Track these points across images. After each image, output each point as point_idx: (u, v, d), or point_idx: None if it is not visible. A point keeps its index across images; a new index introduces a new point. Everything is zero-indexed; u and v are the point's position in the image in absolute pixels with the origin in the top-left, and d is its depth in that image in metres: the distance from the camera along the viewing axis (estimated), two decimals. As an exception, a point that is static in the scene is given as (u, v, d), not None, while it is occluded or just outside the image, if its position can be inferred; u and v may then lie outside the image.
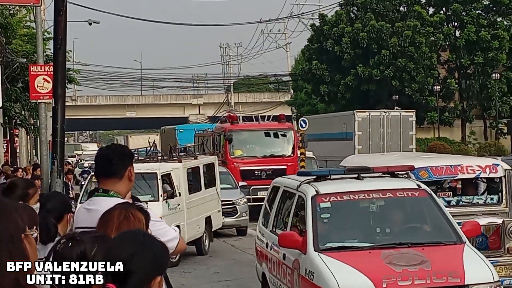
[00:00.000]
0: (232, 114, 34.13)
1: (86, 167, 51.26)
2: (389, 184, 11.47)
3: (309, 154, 41.03)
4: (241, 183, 28.68)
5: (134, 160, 6.13)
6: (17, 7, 36.32)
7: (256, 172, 30.92)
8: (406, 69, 61.48)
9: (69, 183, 30.76)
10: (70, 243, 4.12)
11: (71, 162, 55.81)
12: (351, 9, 66.20)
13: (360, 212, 11.38)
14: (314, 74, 66.02)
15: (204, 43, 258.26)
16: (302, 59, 76.21)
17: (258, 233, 13.60)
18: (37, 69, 28.10)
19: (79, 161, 79.42)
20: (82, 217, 5.81)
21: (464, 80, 65.13)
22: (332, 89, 64.95)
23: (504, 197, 13.70)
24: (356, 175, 11.53)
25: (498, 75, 60.12)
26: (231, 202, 25.85)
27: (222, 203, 24.70)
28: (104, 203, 5.37)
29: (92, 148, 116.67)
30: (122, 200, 5.49)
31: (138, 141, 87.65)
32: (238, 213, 25.95)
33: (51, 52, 32.40)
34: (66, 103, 12.99)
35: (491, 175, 13.76)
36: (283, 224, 12.04)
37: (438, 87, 61.47)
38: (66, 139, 18.02)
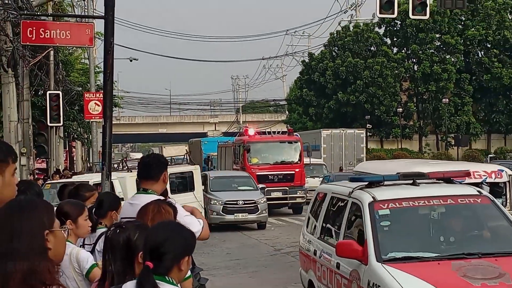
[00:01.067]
0: (248, 128, 33.15)
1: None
2: (448, 190, 8.79)
3: (319, 161, 40.25)
4: (260, 186, 27.21)
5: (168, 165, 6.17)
6: (74, 47, 36.37)
7: (269, 177, 29.74)
8: (376, 95, 61.45)
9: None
10: (118, 230, 4.14)
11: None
12: (333, 49, 66.17)
13: (421, 220, 8.63)
14: (304, 99, 66.08)
15: (219, 75, 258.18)
16: (295, 87, 76.15)
17: (302, 239, 10.83)
18: (90, 95, 28.18)
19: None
20: (126, 209, 5.84)
21: (420, 104, 65.02)
22: (318, 111, 64.92)
23: (508, 201, 12.35)
24: (411, 181, 8.86)
25: (447, 100, 60.14)
26: (253, 201, 24.86)
27: (246, 202, 24.48)
28: (143, 199, 5.41)
29: (137, 156, 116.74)
30: (157, 197, 5.52)
31: (170, 151, 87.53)
32: (259, 211, 24.75)
33: (101, 82, 32.47)
34: (113, 122, 12.98)
35: (496, 180, 12.11)
36: (335, 232, 9.36)
37: (400, 109, 61.44)
38: (112, 149, 18.03)
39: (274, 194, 28.85)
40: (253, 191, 25.90)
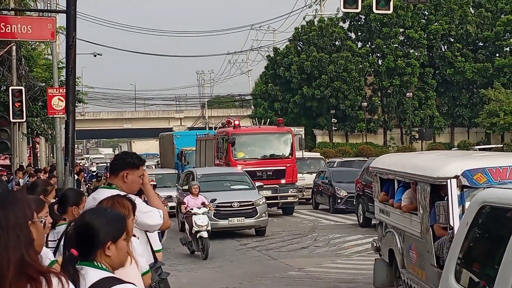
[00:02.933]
0: (232, 119, 29.57)
1: (94, 171, 42.06)
2: None
3: (316, 154, 38.80)
4: (257, 184, 23.35)
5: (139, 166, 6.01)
6: (37, 43, 35.99)
7: (257, 173, 25.89)
8: (341, 90, 61.72)
9: (81, 180, 30.45)
10: (73, 224, 4.12)
11: (81, 164, 55.02)
12: (298, 43, 66.32)
13: None
14: (270, 94, 66.14)
15: (185, 70, 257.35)
16: (260, 82, 76.19)
17: None
18: (53, 91, 27.89)
19: (90, 164, 66.36)
20: (90, 204, 5.81)
21: (385, 98, 65.44)
22: (283, 106, 65.03)
23: None
24: None
25: (411, 94, 60.60)
26: (250, 203, 20.88)
27: (242, 204, 20.75)
28: (106, 193, 5.39)
29: (106, 152, 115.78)
30: (120, 192, 5.48)
31: (140, 146, 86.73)
32: (258, 214, 20.77)
33: (64, 78, 32.18)
34: (76, 118, 12.88)
35: None
36: None
37: (365, 104, 61.77)
38: (76, 145, 17.90)
39: (263, 193, 23.61)
40: (249, 191, 22.14)
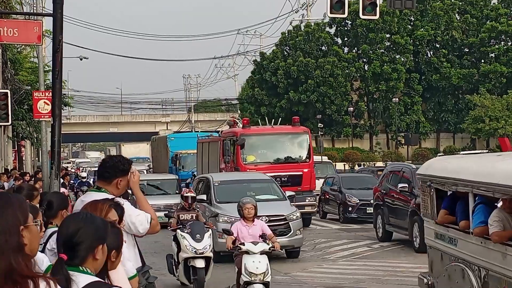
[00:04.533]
0: (236, 118, 26.66)
1: (84, 177, 39.20)
2: None
3: (323, 158, 37.09)
4: (289, 193, 18.96)
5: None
6: (23, 46, 35.86)
7: None
8: (327, 95, 61.85)
9: (67, 183, 30.28)
10: (61, 229, 4.10)
11: (68, 168, 54.71)
12: (285, 48, 66.40)
13: None
14: (256, 99, 66.16)
15: (171, 74, 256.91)
16: (247, 87, 76.22)
17: None
18: (39, 94, 27.75)
19: (77, 169, 64.19)
20: (78, 206, 5.80)
21: (371, 103, 65.63)
22: (270, 110, 65.03)
23: None
24: None
25: (397, 99, 60.87)
26: (282, 217, 16.68)
27: (272, 220, 16.15)
28: (94, 196, 5.39)
29: (93, 155, 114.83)
30: (108, 196, 5.48)
31: (129, 149, 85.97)
32: (292, 231, 16.57)
33: (50, 81, 32.07)
34: (62, 121, 12.84)
35: None
36: None
37: (351, 109, 61.93)
38: (62, 149, 17.93)
39: None
40: (279, 202, 17.75)
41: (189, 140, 35.21)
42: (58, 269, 3.35)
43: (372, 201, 21.55)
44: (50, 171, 10.96)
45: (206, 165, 27.55)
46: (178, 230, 13.22)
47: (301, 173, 23.72)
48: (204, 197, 17.44)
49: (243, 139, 23.75)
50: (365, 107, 65.05)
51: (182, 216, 13.67)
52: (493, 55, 63.85)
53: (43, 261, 5.23)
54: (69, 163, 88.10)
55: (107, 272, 3.62)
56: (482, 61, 64.19)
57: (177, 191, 25.54)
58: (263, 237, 11.23)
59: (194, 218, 13.64)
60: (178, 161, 36.07)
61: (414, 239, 17.53)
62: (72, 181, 39.55)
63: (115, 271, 3.83)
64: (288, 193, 18.54)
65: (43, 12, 29.83)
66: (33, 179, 22.67)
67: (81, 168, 61.81)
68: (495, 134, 53.60)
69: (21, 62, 38.20)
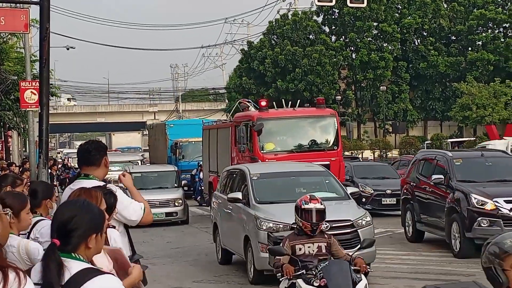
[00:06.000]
0: (249, 102, 23.47)
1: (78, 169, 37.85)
2: None
3: None
4: (351, 190, 14.86)
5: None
6: (9, 35, 35.63)
7: None
8: (315, 83, 61.84)
9: (54, 173, 30.22)
10: (56, 215, 4.10)
11: (55, 158, 54.43)
12: (272, 37, 66.31)
13: None
14: (244, 88, 66.08)
15: (158, 63, 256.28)
16: (234, 76, 76.09)
17: None
18: (26, 84, 27.64)
19: (65, 160, 62.39)
20: (66, 194, 5.80)
21: (359, 92, 65.69)
22: (258, 99, 64.91)
23: None
24: None
25: (385, 88, 61.01)
26: (348, 223, 12.52)
27: (334, 225, 11.99)
28: (84, 184, 5.38)
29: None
30: (98, 183, 5.48)
31: (120, 139, 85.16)
32: (362, 242, 10.14)
33: (37, 71, 31.88)
34: (50, 112, 12.80)
35: None
36: None
37: (339, 97, 61.97)
38: (49, 139, 17.80)
39: None
40: (342, 202, 13.62)
41: (190, 127, 33.39)
42: (50, 254, 3.35)
43: (388, 191, 20.09)
44: (38, 160, 10.93)
45: (214, 155, 24.95)
46: (299, 281, 7.53)
47: (328, 162, 19.90)
48: (238, 195, 13.70)
49: (261, 124, 20.63)
50: (353, 96, 65.11)
51: (301, 249, 8.01)
52: (480, 43, 64.00)
53: (39, 251, 5.21)
54: (59, 153, 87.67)
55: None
56: (469, 49, 64.32)
57: (176, 184, 24.41)
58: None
59: (324, 251, 8.02)
60: (178, 150, 33.83)
61: (453, 241, 15.01)
62: (63, 173, 39.04)
63: (100, 255, 3.83)
64: (350, 189, 14.70)
65: (30, 0, 29.67)
66: (20, 169, 22.63)
67: (70, 159, 60.86)
68: (482, 122, 53.74)
69: (7, 52, 37.96)
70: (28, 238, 5.70)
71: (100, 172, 5.89)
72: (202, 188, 28.21)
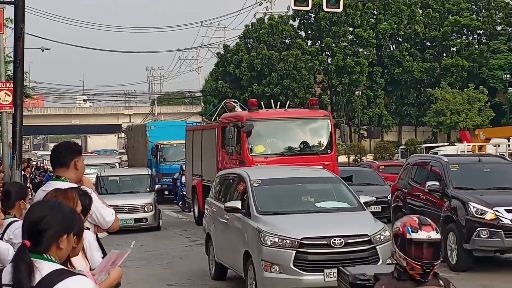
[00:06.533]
0: (234, 102, 22.24)
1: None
2: None
3: None
4: (364, 198, 12.91)
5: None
6: (-17, 36, 35.31)
7: None
8: (290, 88, 61.94)
9: (28, 175, 29.94)
10: (27, 216, 4.08)
11: (30, 159, 53.85)
12: (248, 41, 66.34)
13: None
14: (220, 91, 65.96)
15: (134, 66, 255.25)
16: (210, 79, 75.97)
17: None
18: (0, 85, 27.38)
19: (38, 163, 61.47)
20: (39, 196, 5.76)
21: (334, 96, 65.88)
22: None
23: None
24: None
25: (360, 93, 61.25)
26: (365, 238, 10.78)
27: (348, 241, 10.54)
28: (56, 185, 5.33)
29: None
30: (71, 184, 5.44)
31: (96, 141, 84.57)
32: (380, 259, 10.56)
33: (11, 73, 31.64)
34: (23, 113, 12.71)
35: None
36: None
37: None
38: (23, 141, 17.64)
39: None
40: (356, 214, 11.97)
41: (171, 129, 32.55)
42: (20, 255, 3.32)
43: (375, 199, 19.18)
44: (12, 161, 10.84)
45: (198, 157, 23.99)
46: None
47: (321, 167, 18.07)
48: (237, 204, 12.04)
49: (250, 125, 19.55)
50: (328, 100, 65.29)
51: None
52: (454, 49, 64.49)
53: (9, 251, 5.17)
54: (33, 155, 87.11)
55: (69, 259, 3.59)
56: (444, 55, 64.81)
57: (148, 189, 23.40)
58: None
59: None
60: (159, 152, 32.73)
61: (449, 252, 14.01)
62: (38, 176, 38.51)
63: (77, 257, 3.81)
64: (363, 198, 12.54)
65: (5, 0, 29.44)
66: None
67: (44, 161, 60.02)
68: (456, 127, 54.17)
69: (-19, 52, 37.62)
70: (1, 239, 5.66)
71: (71, 174, 5.77)
72: (185, 193, 26.98)
